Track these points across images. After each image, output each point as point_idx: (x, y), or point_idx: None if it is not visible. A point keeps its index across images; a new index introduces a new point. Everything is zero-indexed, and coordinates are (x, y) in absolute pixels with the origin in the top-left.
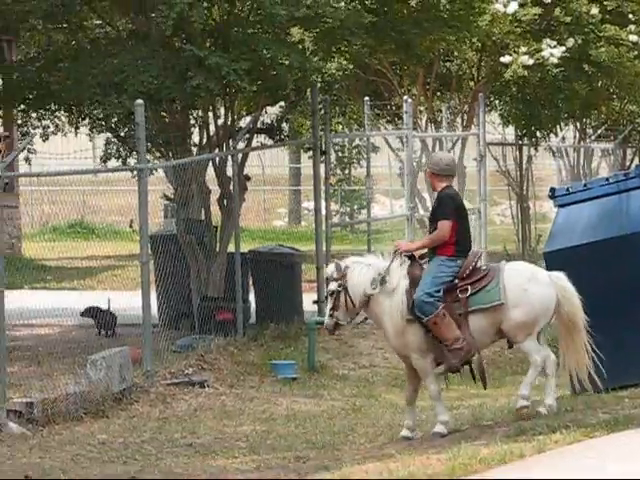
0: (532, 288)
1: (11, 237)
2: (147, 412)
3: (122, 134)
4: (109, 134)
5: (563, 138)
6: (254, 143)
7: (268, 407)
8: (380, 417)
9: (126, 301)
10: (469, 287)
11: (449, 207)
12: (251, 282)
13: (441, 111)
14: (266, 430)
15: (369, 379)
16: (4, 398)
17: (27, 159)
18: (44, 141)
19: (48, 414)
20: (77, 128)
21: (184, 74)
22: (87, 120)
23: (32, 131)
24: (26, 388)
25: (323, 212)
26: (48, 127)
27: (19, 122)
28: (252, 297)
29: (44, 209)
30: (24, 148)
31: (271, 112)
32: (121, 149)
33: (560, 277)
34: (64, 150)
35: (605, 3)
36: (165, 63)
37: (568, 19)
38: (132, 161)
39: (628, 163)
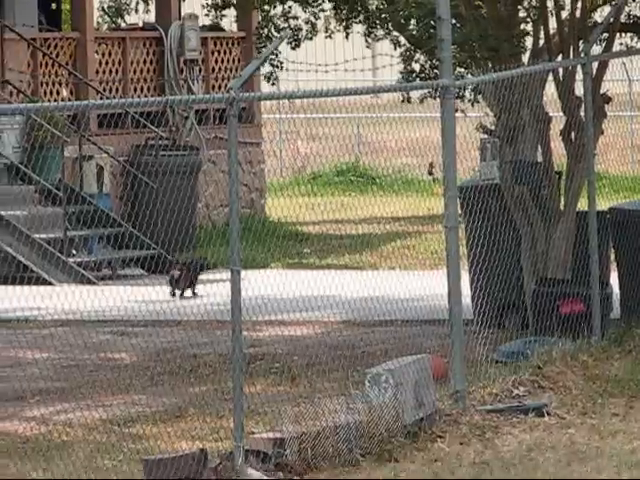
0: None
1: (250, 190)
2: (457, 453)
3: (417, 35)
4: (400, 37)
5: None
6: (616, 46)
7: None
8: None
9: (423, 285)
10: None
11: None
12: (613, 256)
13: None
14: None
15: None
16: (241, 433)
17: (270, 77)
18: (294, 48)
19: (307, 456)
20: (348, 27)
21: None
22: (362, 16)
23: (277, 34)
24: (274, 417)
25: None
26: (311, 25)
27: (261, 20)
28: (614, 279)
29: (299, 148)
30: (268, 56)
31: None
32: (421, 59)
33: None
34: (328, 60)
35: None
36: None
37: None
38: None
39: None
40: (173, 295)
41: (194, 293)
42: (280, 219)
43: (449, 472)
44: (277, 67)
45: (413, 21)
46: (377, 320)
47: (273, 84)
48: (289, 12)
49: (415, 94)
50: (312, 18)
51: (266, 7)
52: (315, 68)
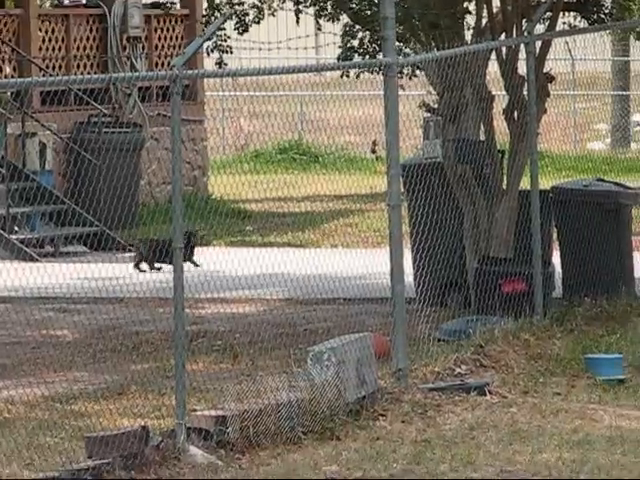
0: None
1: (193, 168)
2: (398, 431)
3: (358, 12)
4: (344, 15)
5: None
6: (559, 25)
7: (581, 424)
8: None
9: (366, 264)
10: None
11: None
12: (555, 235)
13: None
14: (579, 459)
15: None
16: (183, 410)
17: (220, 63)
18: (241, 33)
19: (249, 434)
20: (299, 11)
21: None
22: None
23: (224, 11)
24: (216, 395)
25: None
26: (257, 9)
27: (207, 8)
28: (557, 258)
29: (242, 125)
30: (212, 34)
31: None
32: (366, 37)
33: None
34: (271, 38)
35: None
36: None
37: None
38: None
39: None
40: (139, 269)
41: (194, 264)
42: (222, 197)
43: (391, 450)
44: (225, 52)
45: None
46: (319, 298)
47: (221, 66)
48: None
49: (352, 70)
50: (258, 2)
51: None
52: (258, 46)
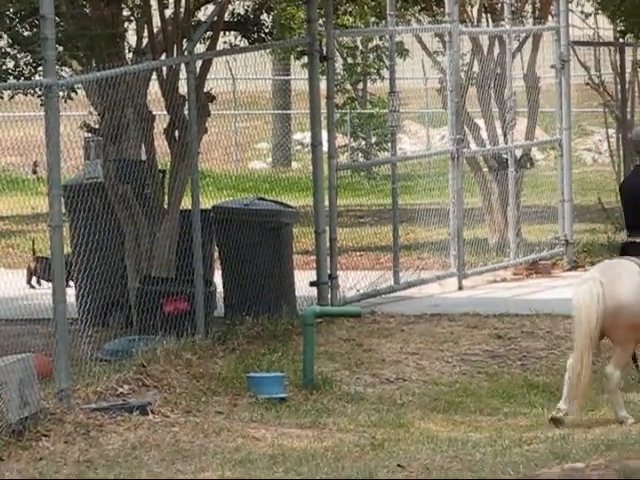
0: None
1: None
2: (61, 452)
3: (16, 32)
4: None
5: None
6: (220, 45)
7: (243, 443)
8: (413, 456)
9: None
10: None
11: None
12: (217, 254)
13: None
14: (241, 478)
15: (396, 400)
16: None
17: None
18: None
19: None
20: None
21: None
22: None
23: None
24: None
25: (325, 148)
26: None
27: None
28: (218, 277)
29: None
30: None
31: None
32: (22, 59)
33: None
34: None
35: None
36: None
37: None
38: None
39: None
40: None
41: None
42: None
43: (54, 471)
44: None
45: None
46: None
47: None
48: None
49: (6, 92)
50: None
51: None
52: None
